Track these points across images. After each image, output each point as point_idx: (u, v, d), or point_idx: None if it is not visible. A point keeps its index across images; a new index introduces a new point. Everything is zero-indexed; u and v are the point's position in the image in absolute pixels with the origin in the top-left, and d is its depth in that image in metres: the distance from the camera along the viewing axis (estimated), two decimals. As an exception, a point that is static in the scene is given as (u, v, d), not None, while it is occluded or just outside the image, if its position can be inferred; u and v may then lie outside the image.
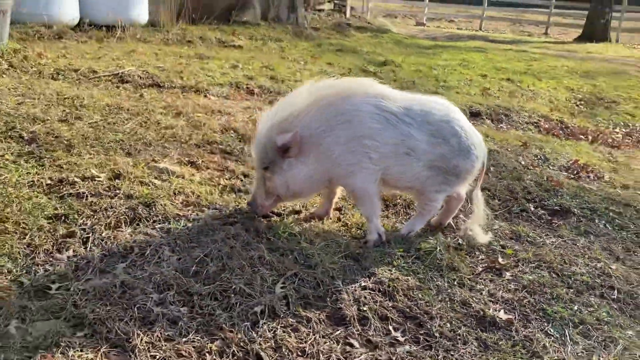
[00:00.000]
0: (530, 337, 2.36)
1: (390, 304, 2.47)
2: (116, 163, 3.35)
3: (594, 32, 18.86)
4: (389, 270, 2.70)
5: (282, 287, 2.44)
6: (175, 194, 3.12)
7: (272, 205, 2.98)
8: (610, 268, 2.97)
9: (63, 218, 2.78)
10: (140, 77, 5.56)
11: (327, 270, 2.60)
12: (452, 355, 2.23)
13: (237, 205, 3.11)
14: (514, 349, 2.29)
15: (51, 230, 2.67)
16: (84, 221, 2.77)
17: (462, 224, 3.21)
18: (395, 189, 3.08)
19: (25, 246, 2.55)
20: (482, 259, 2.95)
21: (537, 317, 2.51)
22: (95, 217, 2.81)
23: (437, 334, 2.32)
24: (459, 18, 27.00)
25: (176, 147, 3.75)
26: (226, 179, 3.42)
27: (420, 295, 2.55)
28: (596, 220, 3.56)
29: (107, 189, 3.06)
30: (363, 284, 2.56)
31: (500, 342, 2.32)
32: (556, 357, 2.25)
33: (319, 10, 16.00)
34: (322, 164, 2.79)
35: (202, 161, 3.58)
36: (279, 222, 3.00)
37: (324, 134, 2.77)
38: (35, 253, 2.52)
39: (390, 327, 2.33)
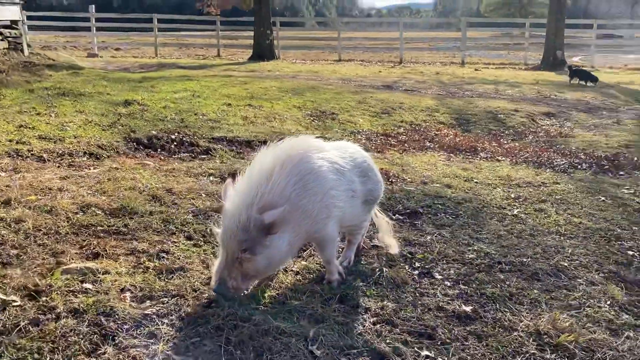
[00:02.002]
0: (496, 317, 2.89)
1: (397, 330, 2.70)
2: (12, 278, 2.67)
3: (262, 51, 21.04)
4: (370, 301, 2.91)
5: (317, 349, 2.44)
6: (119, 292, 2.68)
7: (248, 286, 2.83)
8: (482, 248, 3.75)
9: (23, 363, 2.17)
10: None
11: (334, 319, 2.67)
12: (468, 352, 2.59)
13: (193, 285, 2.85)
14: (495, 330, 2.79)
15: (25, 382, 2.08)
16: (52, 358, 2.21)
17: (377, 240, 3.59)
18: (343, 228, 3.26)
19: (11, 413, 1.95)
20: (410, 267, 3.38)
21: (485, 300, 3.06)
22: (60, 348, 2.26)
23: (448, 340, 2.66)
24: (125, 46, 26.60)
25: (56, 241, 3.13)
26: (149, 261, 3.04)
27: (407, 314, 2.84)
28: (438, 214, 4.34)
29: (40, 312, 2.46)
30: (370, 319, 2.73)
31: (485, 329, 2.78)
32: (524, 325, 2.84)
33: (-8, 51, 13.91)
34: (302, 226, 2.76)
35: (105, 249, 3.09)
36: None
37: (300, 196, 2.75)
38: (32, 415, 1.96)
39: (416, 348, 2.58)
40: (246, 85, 11.91)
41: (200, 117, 7.69)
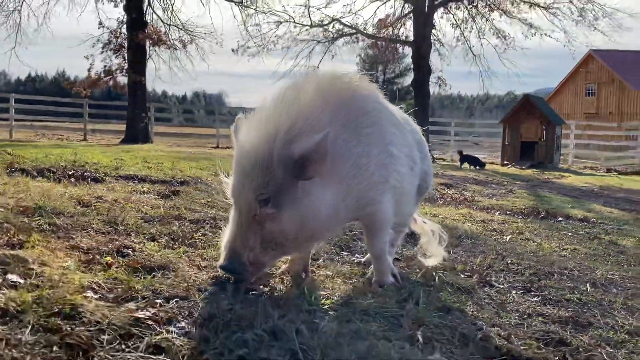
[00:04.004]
0: (609, 323, 2.11)
1: (519, 334, 1.79)
2: None
3: (136, 134, 19.49)
4: (455, 304, 1.97)
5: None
6: (78, 290, 1.46)
7: (270, 261, 1.78)
8: (518, 260, 2.99)
9: None
10: None
11: (435, 323, 1.70)
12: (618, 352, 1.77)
13: (197, 285, 1.70)
14: (630, 337, 1.99)
15: None
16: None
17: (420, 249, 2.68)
18: None
19: None
20: (459, 278, 2.51)
21: (575, 306, 2.26)
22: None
23: (583, 347, 1.81)
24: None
25: None
26: (110, 258, 1.83)
27: (509, 320, 1.95)
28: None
29: None
30: (478, 323, 1.79)
31: (615, 336, 1.98)
32: (632, 324, 2.08)
33: None
34: (351, 184, 1.84)
35: (29, 241, 1.82)
36: (286, 293, 1.80)
37: (350, 142, 1.85)
38: None
39: (559, 356, 1.69)
40: (130, 153, 10.53)
41: (93, 164, 6.31)
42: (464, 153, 16.03)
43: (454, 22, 19.36)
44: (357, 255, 2.67)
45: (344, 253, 2.68)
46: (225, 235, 1.77)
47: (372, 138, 1.92)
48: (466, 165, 15.28)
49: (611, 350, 1.81)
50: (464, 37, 19.38)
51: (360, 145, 1.88)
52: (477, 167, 14.97)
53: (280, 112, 1.76)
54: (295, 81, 1.91)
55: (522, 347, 1.63)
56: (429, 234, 2.64)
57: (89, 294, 1.47)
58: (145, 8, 17.81)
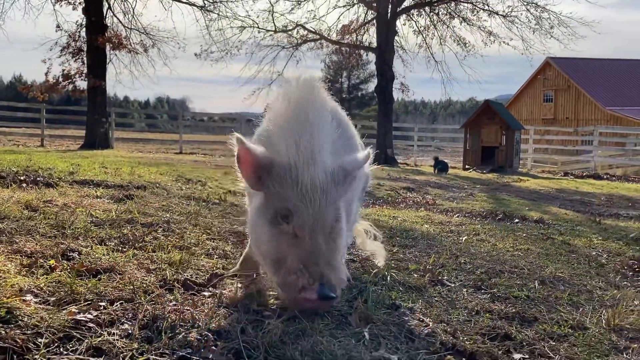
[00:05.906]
0: (553, 318, 2.18)
1: (467, 330, 1.83)
2: None
3: (96, 140, 19.07)
4: (404, 302, 2.00)
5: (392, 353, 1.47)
6: (16, 293, 1.43)
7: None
8: (470, 260, 3.07)
9: None
10: None
11: (382, 320, 1.72)
12: (560, 353, 1.83)
13: (145, 288, 1.68)
14: (572, 331, 2.06)
15: None
16: None
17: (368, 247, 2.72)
18: None
19: None
20: (410, 277, 2.55)
21: (523, 303, 2.33)
22: None
23: (527, 341, 1.86)
24: None
25: None
26: (53, 261, 1.78)
27: (457, 317, 1.99)
28: (394, 237, 3.60)
29: None
30: (426, 319, 1.82)
31: (559, 330, 2.05)
32: (575, 318, 2.16)
33: None
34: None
35: None
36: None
37: (345, 152, 1.88)
38: None
39: (502, 350, 1.74)
40: (90, 159, 10.32)
41: (47, 169, 6.15)
42: (439, 159, 16.31)
43: (416, 29, 19.66)
44: (312, 257, 2.69)
45: (299, 255, 2.69)
46: (285, 263, 1.59)
47: (347, 144, 1.96)
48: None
49: (554, 343, 1.87)
50: (426, 44, 19.69)
51: (349, 154, 1.91)
52: (439, 171, 15.27)
53: (307, 127, 1.70)
54: (286, 91, 1.85)
55: (467, 342, 1.67)
56: (362, 233, 2.70)
57: (29, 297, 1.44)
58: (105, 11, 17.48)
